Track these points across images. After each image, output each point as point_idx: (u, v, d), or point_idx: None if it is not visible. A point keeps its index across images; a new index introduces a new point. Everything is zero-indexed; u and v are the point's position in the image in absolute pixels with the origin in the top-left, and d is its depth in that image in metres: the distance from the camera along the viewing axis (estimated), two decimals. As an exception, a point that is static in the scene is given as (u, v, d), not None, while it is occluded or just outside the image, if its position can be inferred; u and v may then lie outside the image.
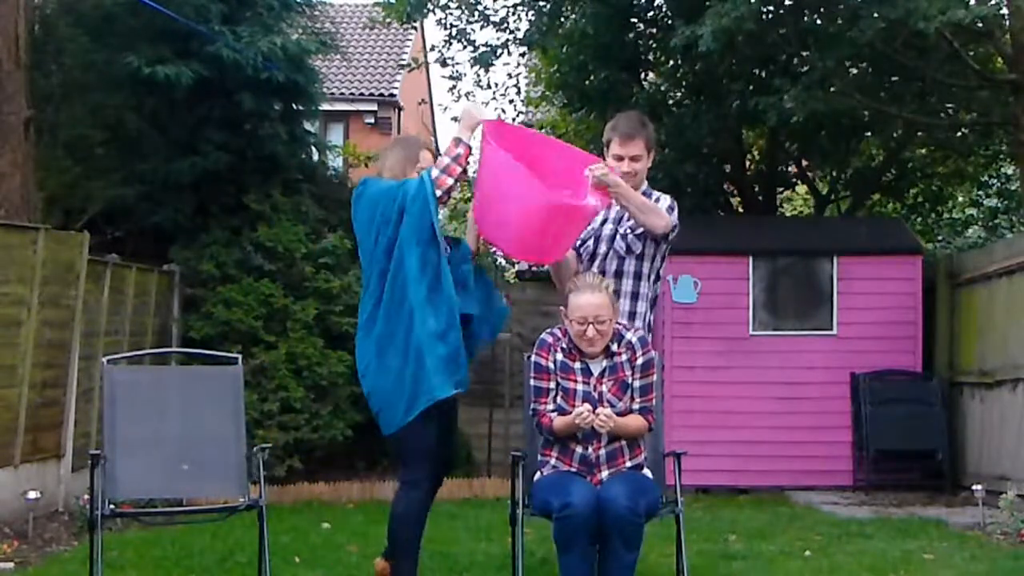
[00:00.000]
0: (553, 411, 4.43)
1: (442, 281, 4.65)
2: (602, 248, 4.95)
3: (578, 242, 4.92)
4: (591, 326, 4.35)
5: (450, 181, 4.70)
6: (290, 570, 5.71)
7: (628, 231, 4.88)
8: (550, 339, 4.50)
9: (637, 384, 4.46)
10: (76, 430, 7.93)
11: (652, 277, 4.95)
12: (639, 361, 4.45)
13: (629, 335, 4.48)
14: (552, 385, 4.45)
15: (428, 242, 4.64)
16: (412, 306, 4.61)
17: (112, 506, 4.77)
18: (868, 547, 6.57)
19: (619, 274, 4.90)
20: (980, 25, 8.56)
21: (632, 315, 4.87)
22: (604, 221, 4.93)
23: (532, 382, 4.49)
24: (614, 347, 4.44)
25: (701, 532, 6.67)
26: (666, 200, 4.97)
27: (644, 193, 4.91)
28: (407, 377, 4.61)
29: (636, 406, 4.45)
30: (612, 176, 4.65)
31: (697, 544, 6.07)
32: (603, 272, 4.87)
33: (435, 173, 4.69)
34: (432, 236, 4.63)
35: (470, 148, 4.79)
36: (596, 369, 4.43)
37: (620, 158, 4.88)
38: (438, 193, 4.67)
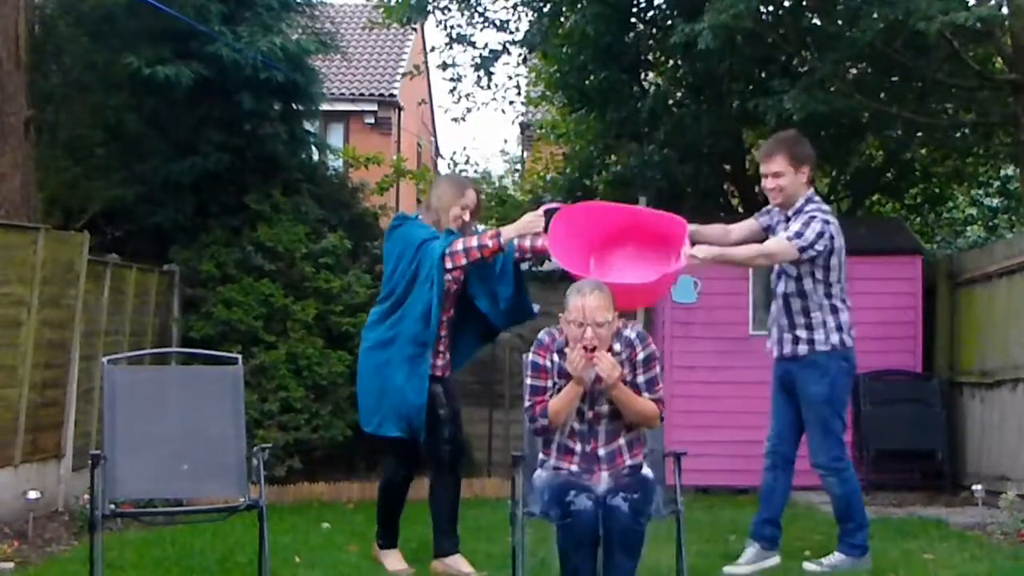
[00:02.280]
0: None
1: (428, 339, 5.32)
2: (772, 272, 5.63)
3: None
4: (588, 328, 4.29)
5: (464, 262, 5.30)
6: (290, 570, 5.71)
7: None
8: (547, 338, 4.47)
9: (642, 379, 4.42)
10: (76, 430, 7.93)
11: (818, 288, 5.43)
12: (640, 356, 4.42)
13: (627, 331, 4.46)
14: (549, 384, 4.43)
15: (426, 314, 5.29)
16: (398, 343, 5.35)
17: (112, 506, 4.78)
18: (868, 547, 6.56)
19: (786, 294, 5.53)
20: (980, 26, 8.54)
21: (809, 326, 5.48)
22: None
23: (528, 380, 4.47)
24: (616, 346, 4.41)
25: (701, 532, 6.67)
26: (814, 225, 5.28)
27: (799, 209, 5.34)
28: (376, 396, 5.41)
29: (645, 398, 4.42)
30: (703, 254, 5.17)
31: (697, 544, 6.06)
32: (776, 294, 5.55)
33: (459, 246, 5.29)
34: (427, 311, 5.30)
35: (502, 249, 5.32)
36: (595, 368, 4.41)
37: (766, 176, 5.46)
38: (448, 266, 5.29)
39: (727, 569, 5.69)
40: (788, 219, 5.48)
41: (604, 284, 4.43)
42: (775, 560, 5.71)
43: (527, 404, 4.48)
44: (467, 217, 5.61)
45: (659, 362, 4.50)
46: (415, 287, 5.35)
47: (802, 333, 5.52)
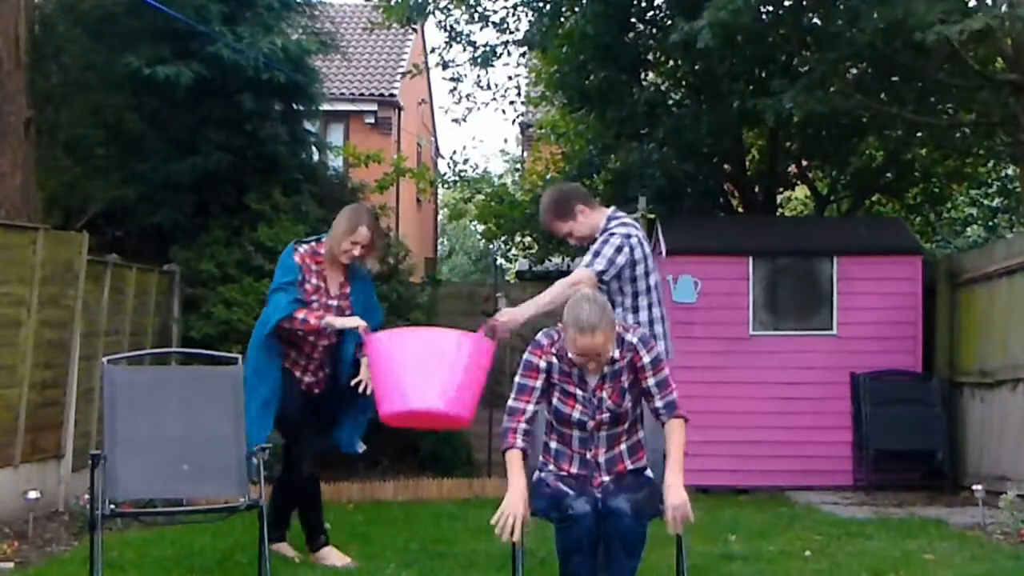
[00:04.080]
0: (525, 429, 4.35)
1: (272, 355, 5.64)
2: None
3: None
4: (592, 361, 4.29)
5: (296, 327, 5.60)
6: (290, 570, 5.70)
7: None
8: (546, 341, 4.42)
9: (652, 382, 4.36)
10: (76, 430, 7.93)
11: (637, 294, 5.46)
12: (646, 359, 4.36)
13: (630, 336, 4.39)
14: (538, 384, 4.37)
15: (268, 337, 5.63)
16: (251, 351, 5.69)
17: (112, 506, 4.77)
18: (868, 547, 6.57)
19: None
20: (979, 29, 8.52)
21: (636, 323, 5.32)
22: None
23: (518, 378, 4.40)
24: (615, 353, 4.34)
25: (701, 532, 6.67)
26: (611, 243, 5.37)
27: (604, 229, 5.47)
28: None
29: (659, 403, 4.37)
30: (511, 320, 5.25)
31: (697, 544, 6.07)
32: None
33: (300, 315, 5.59)
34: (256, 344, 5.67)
35: (323, 329, 5.63)
36: (595, 374, 4.36)
37: (561, 238, 5.77)
38: (285, 324, 5.60)
39: None
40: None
41: (606, 309, 4.31)
42: None
43: (510, 404, 4.41)
44: (357, 252, 5.75)
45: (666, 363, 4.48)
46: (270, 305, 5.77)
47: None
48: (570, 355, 4.32)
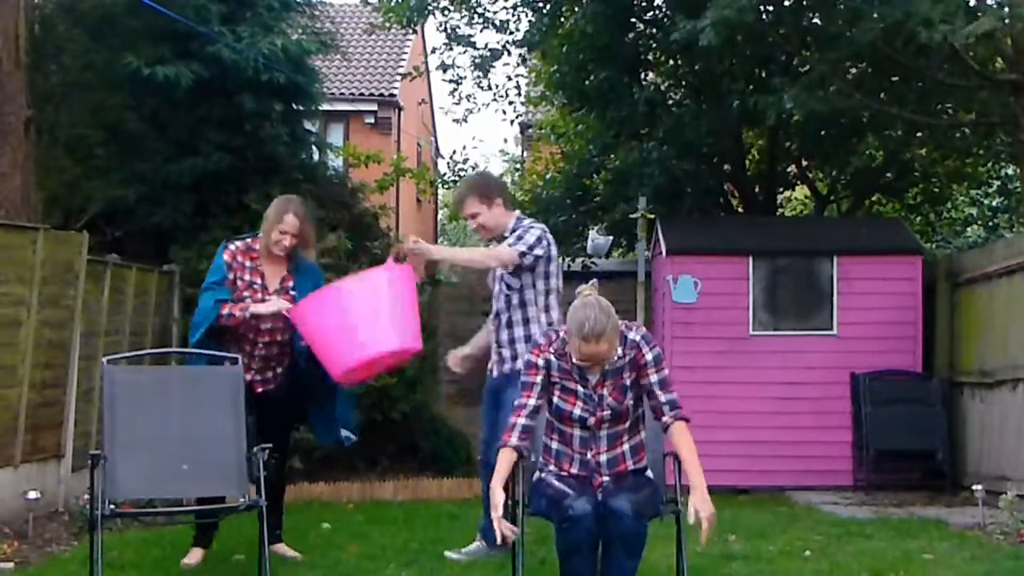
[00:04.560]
0: (524, 431, 4.36)
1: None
2: (495, 287, 5.79)
3: (489, 279, 5.83)
4: (596, 365, 4.34)
5: (222, 322, 5.55)
6: (290, 570, 5.71)
7: (503, 271, 5.65)
8: (543, 340, 4.45)
9: (655, 379, 4.36)
10: (76, 430, 7.92)
11: (540, 299, 5.65)
12: (649, 356, 4.36)
13: (632, 334, 4.39)
14: (538, 380, 4.39)
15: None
16: None
17: (112, 506, 4.77)
18: (868, 547, 6.57)
19: (509, 306, 5.70)
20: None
21: (527, 338, 5.55)
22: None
23: (522, 377, 4.48)
24: (618, 350, 4.36)
25: (701, 532, 6.66)
26: (531, 233, 5.58)
27: (514, 229, 5.65)
28: None
29: (662, 398, 4.37)
30: (420, 246, 5.40)
31: (697, 544, 6.06)
32: (497, 310, 5.74)
33: (224, 311, 5.55)
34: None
35: (243, 318, 5.56)
36: (596, 370, 4.37)
37: (466, 218, 5.83)
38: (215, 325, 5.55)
39: (448, 553, 5.86)
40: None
41: (611, 315, 4.25)
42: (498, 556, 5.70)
43: (516, 403, 4.45)
44: (287, 242, 5.65)
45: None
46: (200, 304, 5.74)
47: (520, 347, 5.62)
48: (574, 360, 4.34)
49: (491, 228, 5.70)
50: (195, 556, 5.76)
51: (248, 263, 5.69)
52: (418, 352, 5.57)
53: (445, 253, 5.89)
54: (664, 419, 4.39)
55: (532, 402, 4.38)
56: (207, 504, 5.53)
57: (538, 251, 5.56)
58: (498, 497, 4.20)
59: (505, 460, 4.32)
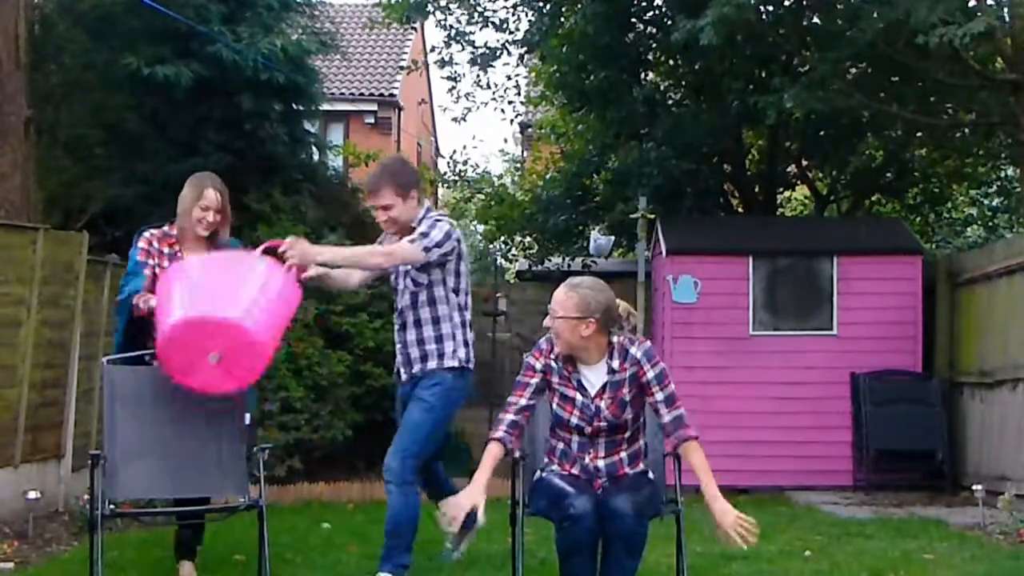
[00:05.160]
0: (511, 426, 4.34)
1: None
2: (400, 283, 5.25)
3: (391, 276, 5.29)
4: (548, 317, 4.35)
5: (137, 313, 5.15)
6: (290, 570, 5.71)
7: (410, 267, 5.14)
8: (545, 346, 4.43)
9: (660, 397, 4.33)
10: (76, 430, 7.93)
11: (449, 297, 5.16)
12: (651, 374, 4.33)
13: (634, 349, 4.35)
14: (532, 382, 4.38)
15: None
16: None
17: (112, 506, 4.77)
18: (868, 547, 6.57)
19: (415, 304, 5.18)
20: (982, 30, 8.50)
21: (439, 338, 5.13)
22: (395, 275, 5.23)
23: (518, 376, 4.47)
24: (615, 363, 4.33)
25: (701, 532, 6.65)
26: (438, 228, 5.05)
27: (420, 221, 5.10)
28: None
29: (667, 417, 4.33)
30: (298, 248, 4.86)
31: (697, 544, 6.07)
32: (402, 308, 5.22)
33: (139, 302, 5.15)
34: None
35: (146, 311, 5.09)
36: (595, 382, 4.34)
37: (375, 208, 5.18)
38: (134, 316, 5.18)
39: (454, 556, 5.62)
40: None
41: (576, 285, 4.33)
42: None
43: (508, 400, 4.44)
44: (211, 218, 5.30)
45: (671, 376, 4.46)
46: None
47: (430, 347, 5.16)
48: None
49: (401, 223, 5.14)
50: (186, 569, 5.45)
51: (166, 249, 5.35)
52: (266, 358, 4.88)
53: (332, 254, 5.21)
54: (670, 440, 4.36)
55: (523, 401, 4.37)
56: (191, 505, 5.29)
57: (446, 247, 5.07)
58: (478, 486, 4.16)
59: (490, 454, 4.30)
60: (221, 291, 4.65)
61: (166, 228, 5.40)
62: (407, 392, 5.25)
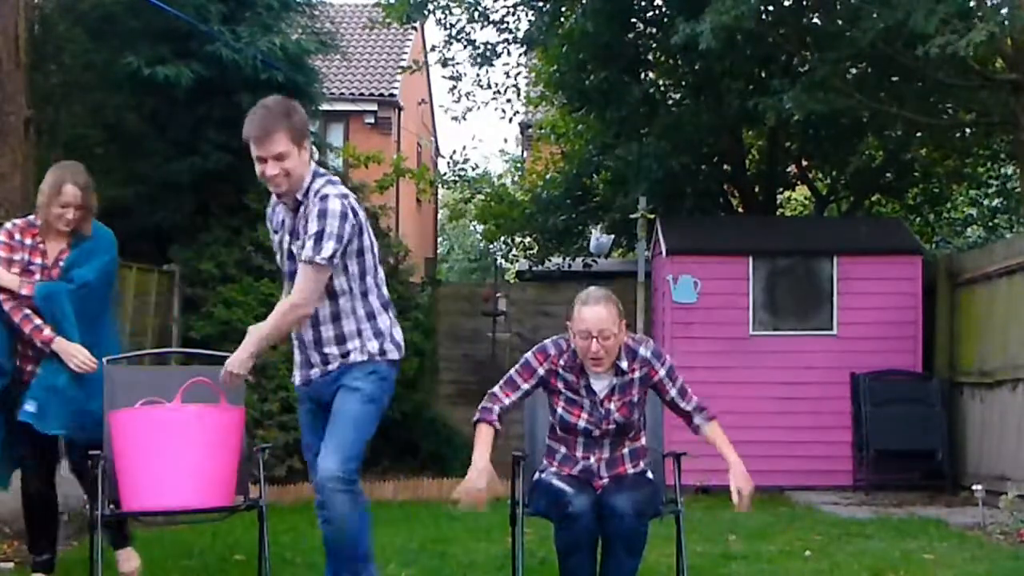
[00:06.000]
0: (499, 415, 4.32)
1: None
2: (289, 272, 4.40)
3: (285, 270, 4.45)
4: (595, 340, 4.17)
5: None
6: (290, 570, 5.71)
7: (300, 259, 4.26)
8: (553, 350, 4.34)
9: (674, 393, 4.40)
10: (76, 430, 7.91)
11: (356, 284, 4.27)
12: (662, 372, 4.35)
13: (642, 350, 4.35)
14: (526, 386, 4.35)
15: None
16: None
17: (112, 506, 4.76)
18: (868, 547, 6.57)
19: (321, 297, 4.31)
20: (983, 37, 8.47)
21: (359, 332, 4.28)
22: (281, 241, 4.39)
23: (512, 372, 4.39)
24: (624, 364, 4.30)
25: (701, 532, 6.67)
26: (331, 220, 4.12)
27: (307, 190, 4.22)
28: None
29: (688, 406, 4.44)
30: (233, 367, 4.28)
31: (697, 544, 6.07)
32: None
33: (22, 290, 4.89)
34: None
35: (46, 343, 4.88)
36: (603, 385, 4.32)
37: (264, 160, 4.17)
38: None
39: None
40: (297, 208, 4.27)
41: (599, 298, 4.21)
42: None
43: (494, 389, 4.37)
44: (71, 215, 4.92)
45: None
46: None
47: (331, 349, 4.32)
48: (575, 340, 4.26)
49: (292, 180, 4.18)
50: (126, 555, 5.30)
51: (28, 241, 5.03)
52: (225, 507, 4.66)
53: (254, 346, 4.30)
54: (695, 422, 4.46)
55: (509, 401, 4.36)
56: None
57: (347, 231, 4.15)
58: (485, 465, 4.13)
59: (487, 434, 4.27)
60: (181, 471, 4.55)
61: (31, 218, 5.08)
62: (319, 389, 4.39)
